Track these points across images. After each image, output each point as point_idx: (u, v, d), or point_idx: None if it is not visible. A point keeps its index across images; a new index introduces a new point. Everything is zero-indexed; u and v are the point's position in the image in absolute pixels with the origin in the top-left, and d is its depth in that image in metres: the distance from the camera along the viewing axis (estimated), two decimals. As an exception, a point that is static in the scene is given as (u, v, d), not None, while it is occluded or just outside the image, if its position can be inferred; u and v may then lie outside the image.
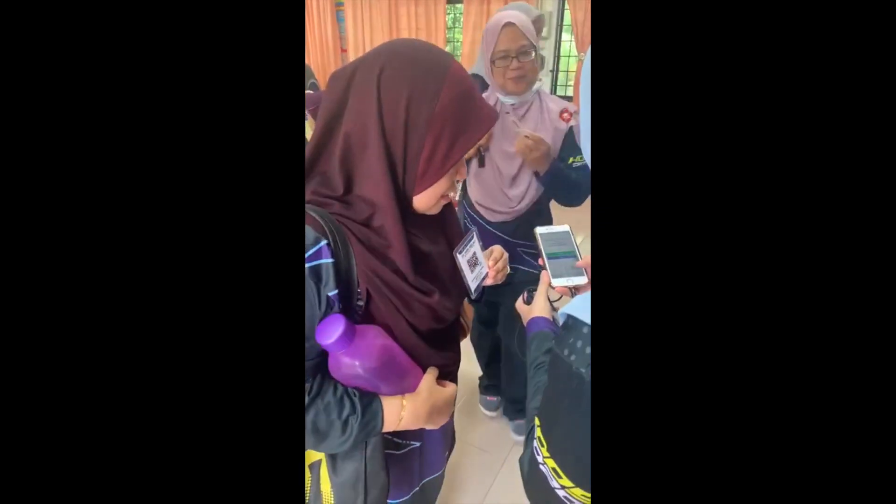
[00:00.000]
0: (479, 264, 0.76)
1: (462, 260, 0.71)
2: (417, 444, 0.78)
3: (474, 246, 0.75)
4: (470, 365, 1.74)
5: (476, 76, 1.79)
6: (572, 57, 4.24)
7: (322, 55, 5.31)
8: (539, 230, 0.76)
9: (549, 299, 0.75)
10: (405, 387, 0.66)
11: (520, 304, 0.78)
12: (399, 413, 0.64)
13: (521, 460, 0.55)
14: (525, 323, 0.75)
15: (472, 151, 0.57)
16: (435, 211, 0.66)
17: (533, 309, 0.74)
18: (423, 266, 0.65)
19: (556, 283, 0.72)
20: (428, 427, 0.69)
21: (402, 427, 0.65)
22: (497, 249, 0.83)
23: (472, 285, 0.74)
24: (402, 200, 0.60)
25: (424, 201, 0.62)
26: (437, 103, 0.56)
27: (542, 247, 0.75)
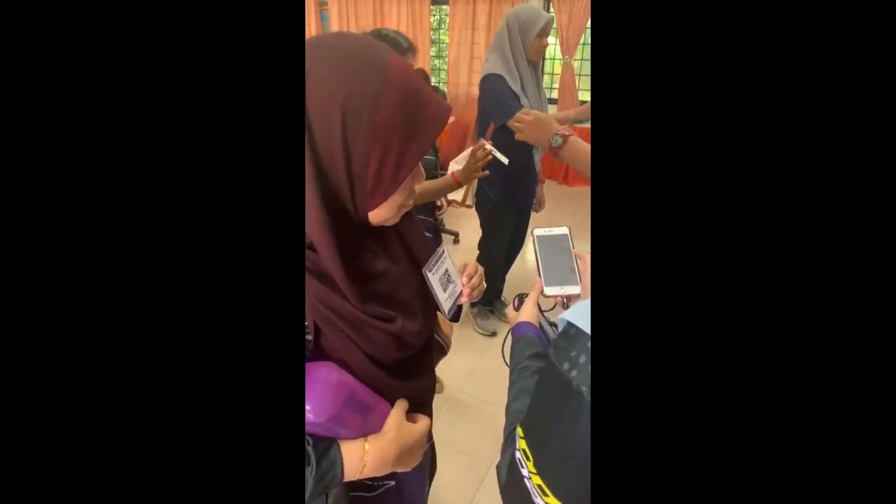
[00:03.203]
0: (453, 282, 0.68)
1: (433, 279, 0.63)
2: (392, 482, 0.70)
3: (445, 262, 0.67)
4: (453, 365, 1.69)
5: (495, 76, 1.70)
6: (557, 60, 4.20)
7: (305, 55, 5.19)
8: (536, 232, 0.72)
9: (540, 307, 0.71)
10: (369, 426, 0.57)
11: (510, 310, 0.75)
12: (362, 458, 0.55)
13: (498, 467, 0.51)
14: (511, 327, 0.71)
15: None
16: (395, 221, 0.58)
17: (521, 314, 0.71)
18: (381, 288, 0.56)
19: (549, 291, 0.68)
20: (398, 470, 0.61)
21: (365, 474, 0.57)
22: (471, 265, 0.75)
23: (446, 305, 0.66)
24: (346, 224, 0.52)
25: (382, 215, 0.54)
26: (377, 113, 0.46)
27: (537, 250, 0.70)
